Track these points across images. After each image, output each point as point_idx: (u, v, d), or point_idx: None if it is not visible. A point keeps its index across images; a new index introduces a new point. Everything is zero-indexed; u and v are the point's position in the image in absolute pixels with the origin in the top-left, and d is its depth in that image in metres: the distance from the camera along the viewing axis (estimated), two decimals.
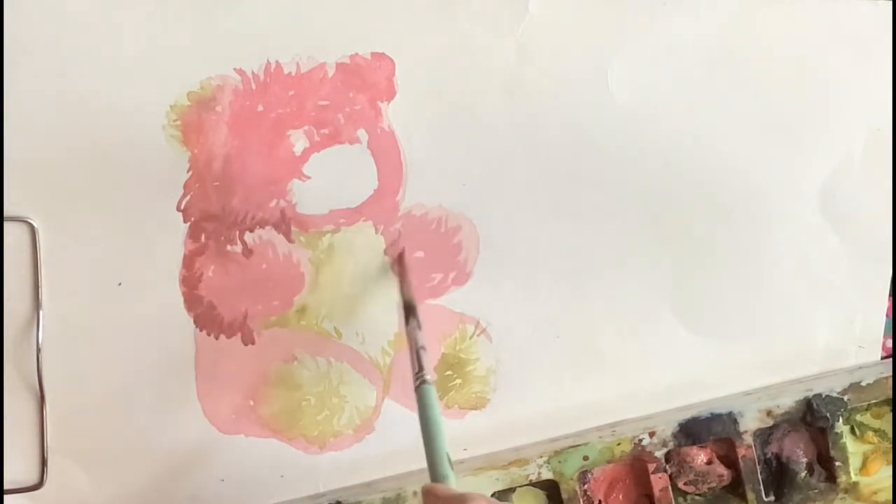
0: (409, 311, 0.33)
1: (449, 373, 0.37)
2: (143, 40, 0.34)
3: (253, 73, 0.34)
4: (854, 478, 0.36)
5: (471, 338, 0.36)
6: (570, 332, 0.36)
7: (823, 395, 0.34)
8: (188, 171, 0.35)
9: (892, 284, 0.36)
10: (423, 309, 0.36)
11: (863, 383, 0.35)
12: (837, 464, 0.35)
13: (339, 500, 0.35)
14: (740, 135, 0.35)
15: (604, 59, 0.34)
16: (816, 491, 0.36)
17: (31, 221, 0.34)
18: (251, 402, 0.36)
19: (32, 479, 0.36)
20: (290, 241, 0.35)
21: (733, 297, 0.36)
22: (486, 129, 0.35)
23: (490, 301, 0.36)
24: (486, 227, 0.36)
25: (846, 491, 0.36)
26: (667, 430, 0.35)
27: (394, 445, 0.36)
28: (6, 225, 0.34)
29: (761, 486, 0.35)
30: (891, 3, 0.34)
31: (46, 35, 0.33)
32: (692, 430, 0.35)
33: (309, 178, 0.35)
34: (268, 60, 0.34)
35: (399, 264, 0.35)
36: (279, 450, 0.37)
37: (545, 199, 0.35)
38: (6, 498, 0.35)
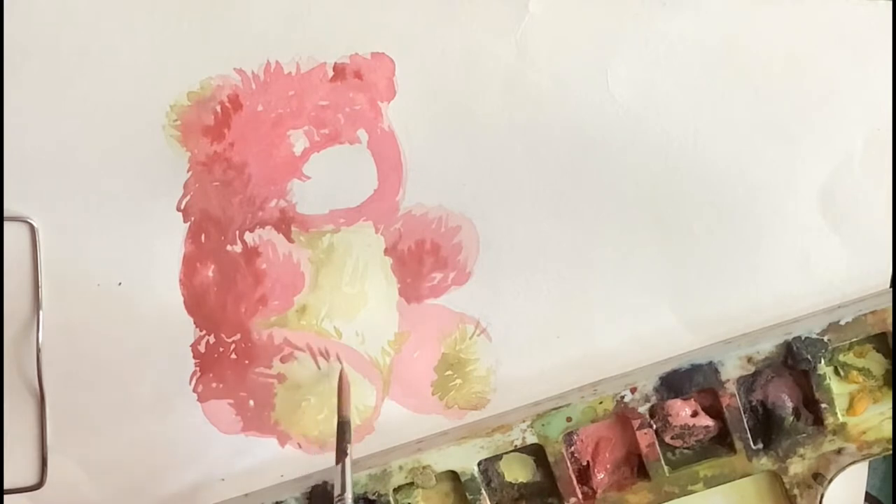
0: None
1: (449, 373, 0.37)
2: (143, 40, 0.34)
3: (253, 73, 0.34)
4: (842, 419, 0.35)
5: (471, 338, 0.36)
6: (570, 332, 0.36)
7: (803, 338, 0.34)
8: (188, 171, 0.35)
9: (892, 284, 0.36)
10: (423, 309, 0.36)
11: (841, 322, 0.34)
12: (823, 406, 0.35)
13: (326, 479, 0.35)
14: (740, 135, 0.35)
15: (604, 59, 0.34)
16: (805, 435, 0.35)
17: (31, 221, 0.34)
18: (251, 402, 0.36)
19: (32, 479, 0.36)
20: (290, 240, 0.36)
21: (733, 298, 0.36)
22: (486, 129, 0.35)
23: (490, 301, 0.36)
24: (486, 227, 0.36)
25: (834, 433, 0.35)
26: (648, 384, 0.35)
27: (393, 445, 0.36)
28: (6, 225, 0.34)
29: (748, 435, 0.35)
30: (891, 3, 0.34)
31: (46, 35, 0.33)
32: (673, 383, 0.35)
33: (309, 178, 0.35)
34: (268, 60, 0.34)
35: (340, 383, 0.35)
36: (279, 450, 0.37)
37: (545, 199, 0.35)
38: (6, 498, 0.35)
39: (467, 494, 0.35)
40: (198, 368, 0.36)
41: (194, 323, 0.36)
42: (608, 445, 0.36)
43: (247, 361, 0.36)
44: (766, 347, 0.34)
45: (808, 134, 0.35)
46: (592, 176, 0.35)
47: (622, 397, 0.35)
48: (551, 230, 0.36)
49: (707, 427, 0.36)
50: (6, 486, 0.35)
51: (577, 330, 0.36)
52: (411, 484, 0.35)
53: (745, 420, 0.35)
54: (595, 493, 0.36)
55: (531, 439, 0.35)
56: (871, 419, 0.35)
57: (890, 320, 0.34)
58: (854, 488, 0.37)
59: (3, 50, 0.33)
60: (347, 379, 0.35)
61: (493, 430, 0.35)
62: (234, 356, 0.36)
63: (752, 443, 0.35)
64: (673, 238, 0.36)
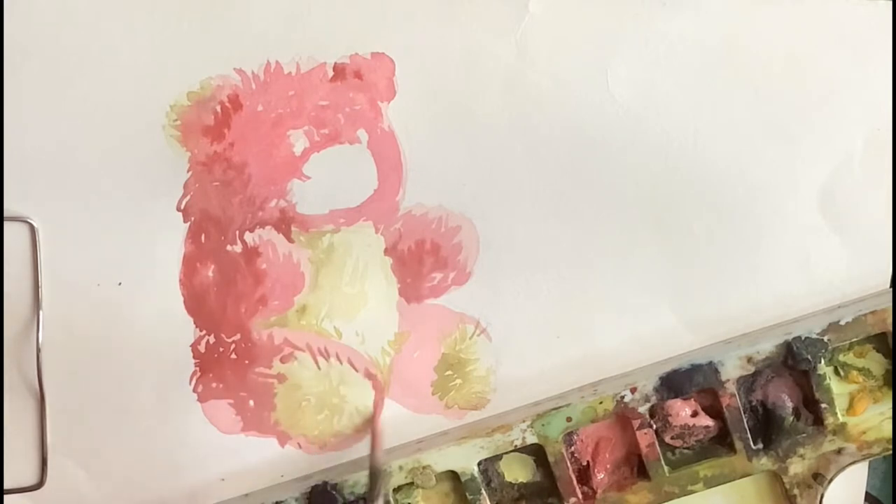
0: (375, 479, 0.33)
1: (449, 373, 0.37)
2: (143, 40, 0.34)
3: (253, 73, 0.34)
4: (841, 419, 0.35)
5: (471, 338, 0.36)
6: (570, 332, 0.36)
7: (803, 338, 0.34)
8: (188, 171, 0.35)
9: (892, 284, 0.36)
10: (423, 309, 0.36)
11: (841, 322, 0.34)
12: (823, 406, 0.35)
13: (326, 479, 0.35)
14: (740, 135, 0.35)
15: (604, 59, 0.34)
16: (804, 435, 0.35)
17: (31, 221, 0.34)
18: (251, 402, 0.36)
19: (32, 479, 0.36)
20: (290, 240, 0.36)
21: (733, 298, 0.36)
22: (486, 129, 0.35)
23: (490, 301, 0.36)
24: (486, 227, 0.36)
25: (834, 433, 0.35)
26: (648, 384, 0.35)
27: (393, 445, 0.36)
28: (6, 225, 0.34)
29: (748, 435, 0.35)
30: (891, 3, 0.34)
31: (46, 35, 0.33)
32: (673, 383, 0.35)
33: (309, 178, 0.35)
34: (268, 60, 0.34)
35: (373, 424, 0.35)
36: (279, 450, 0.37)
37: (545, 199, 0.35)
38: (6, 498, 0.35)
39: (467, 494, 0.35)
40: (198, 368, 0.36)
41: (194, 323, 0.36)
42: (608, 445, 0.36)
43: (247, 361, 0.36)
44: (766, 347, 0.34)
45: (808, 134, 0.35)
46: (592, 176, 0.35)
47: (622, 397, 0.35)
48: (551, 230, 0.36)
49: (707, 427, 0.36)
50: (6, 486, 0.35)
51: (577, 330, 0.36)
52: (411, 484, 0.35)
53: (745, 420, 0.35)
54: (595, 493, 0.36)
55: (531, 439, 0.35)
56: (871, 419, 0.35)
57: (890, 320, 0.34)
58: (854, 488, 0.37)
59: (3, 50, 0.33)
60: (379, 428, 0.35)
61: (493, 430, 0.35)
62: (234, 356, 0.36)
63: (752, 443, 0.35)
64: (673, 238, 0.36)
